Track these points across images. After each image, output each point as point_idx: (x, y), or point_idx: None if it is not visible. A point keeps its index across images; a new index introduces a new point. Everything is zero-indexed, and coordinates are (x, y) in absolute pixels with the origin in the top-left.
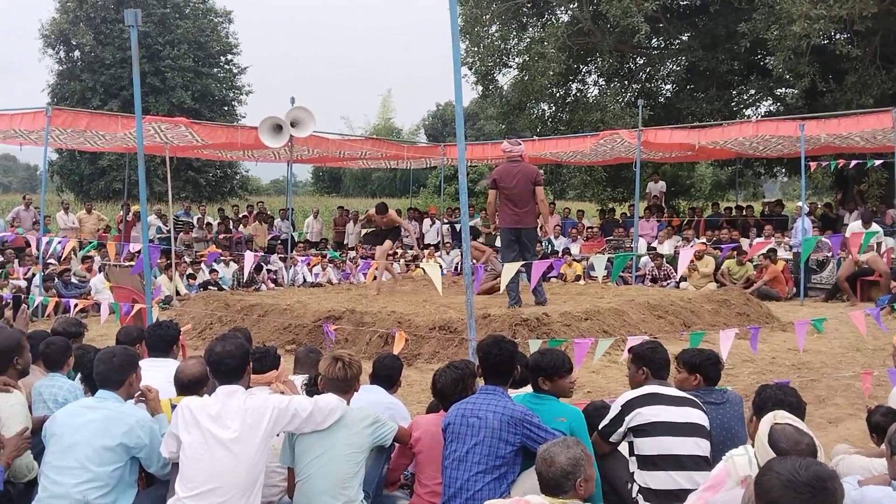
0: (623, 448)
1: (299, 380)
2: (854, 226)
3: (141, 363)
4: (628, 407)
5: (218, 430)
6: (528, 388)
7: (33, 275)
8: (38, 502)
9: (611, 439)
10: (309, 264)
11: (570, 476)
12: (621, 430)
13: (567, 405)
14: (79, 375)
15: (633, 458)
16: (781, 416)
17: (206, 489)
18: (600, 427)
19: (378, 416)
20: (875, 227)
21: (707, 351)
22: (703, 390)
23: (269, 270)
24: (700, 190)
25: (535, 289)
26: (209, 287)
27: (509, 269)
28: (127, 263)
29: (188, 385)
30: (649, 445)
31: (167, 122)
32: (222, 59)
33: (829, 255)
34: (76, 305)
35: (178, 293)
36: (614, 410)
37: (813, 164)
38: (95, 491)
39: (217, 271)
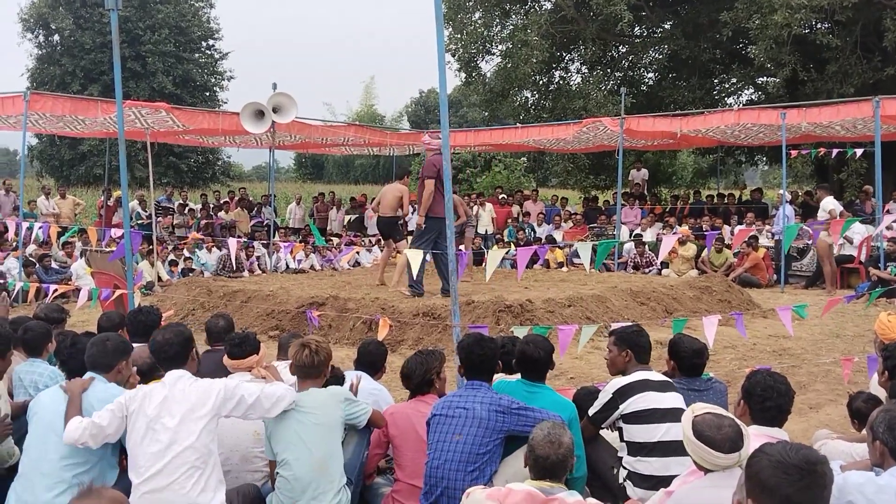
0: (607, 434)
1: (283, 365)
2: (827, 201)
3: None
4: (622, 394)
5: (162, 416)
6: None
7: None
8: (20, 478)
9: (602, 425)
10: (292, 252)
11: (570, 457)
12: (614, 416)
13: (560, 397)
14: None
15: (623, 445)
16: (699, 409)
17: (153, 472)
18: (591, 413)
19: (349, 394)
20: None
21: (690, 341)
22: (687, 379)
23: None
24: (682, 178)
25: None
26: (190, 273)
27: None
28: (108, 249)
29: (146, 372)
30: (641, 432)
31: (148, 108)
32: (203, 44)
33: (809, 242)
34: (55, 291)
35: (159, 279)
36: (605, 396)
37: (794, 153)
38: (75, 468)
39: (191, 259)
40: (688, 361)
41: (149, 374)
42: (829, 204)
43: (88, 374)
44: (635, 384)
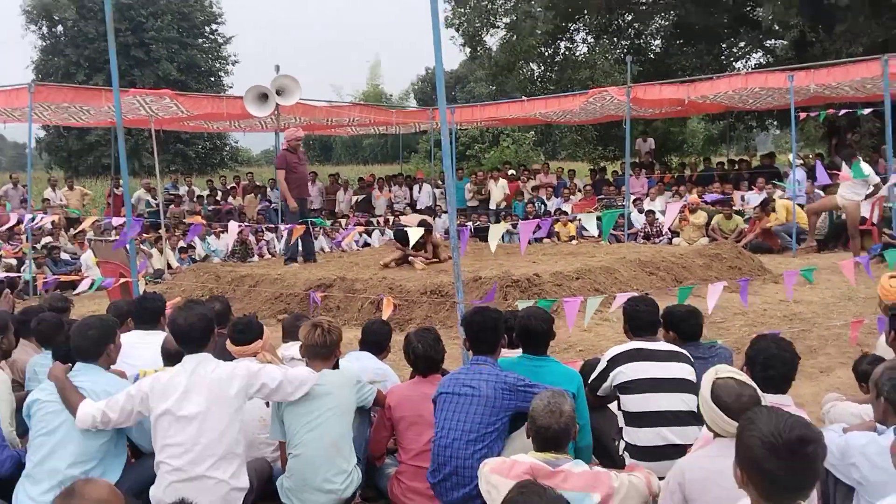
0: (613, 405)
1: (293, 348)
2: (864, 167)
3: (131, 336)
4: (613, 363)
5: (184, 405)
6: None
7: (24, 253)
8: (27, 477)
9: (598, 393)
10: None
11: (571, 426)
12: (606, 385)
13: (567, 367)
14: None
15: (621, 414)
16: (723, 371)
17: (186, 461)
18: (589, 381)
19: (360, 377)
20: (868, 169)
21: (680, 306)
22: (689, 345)
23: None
24: (692, 145)
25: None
26: (197, 260)
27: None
28: (112, 238)
29: (175, 355)
30: (634, 402)
31: (152, 95)
32: (207, 29)
33: None
34: (56, 279)
35: (169, 266)
36: (601, 365)
37: (803, 115)
38: (83, 465)
39: (194, 246)
40: (684, 326)
41: (178, 358)
42: (867, 169)
43: (79, 365)
44: (627, 353)
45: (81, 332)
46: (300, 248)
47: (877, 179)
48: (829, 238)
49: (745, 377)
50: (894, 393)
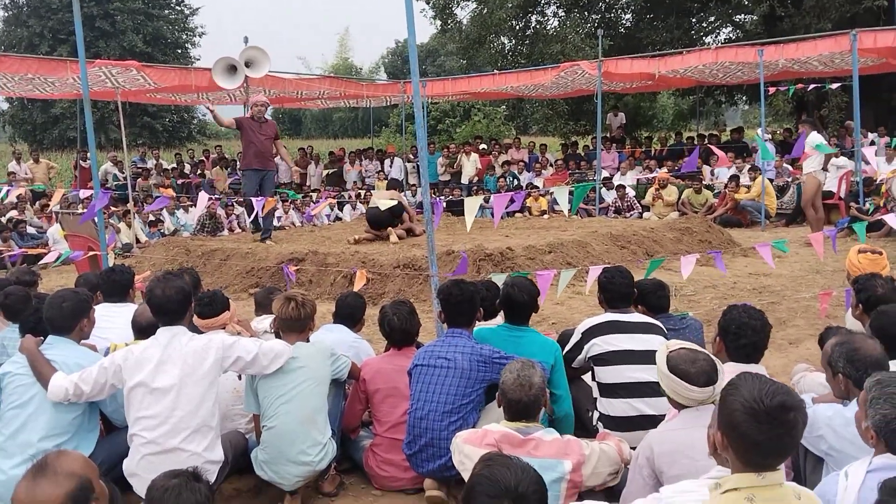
0: (587, 377)
1: (266, 321)
2: (814, 137)
3: (98, 308)
4: (587, 335)
5: (158, 377)
6: (499, 320)
7: None
8: None
9: (573, 365)
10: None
11: (541, 397)
12: (581, 357)
13: (546, 338)
14: None
15: (595, 385)
16: (673, 344)
17: (159, 434)
18: (563, 353)
19: (333, 349)
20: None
21: (647, 280)
22: (661, 317)
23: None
24: (662, 120)
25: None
26: (167, 234)
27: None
28: (80, 211)
29: (146, 328)
30: (608, 374)
31: (118, 66)
32: (173, 0)
33: (790, 180)
34: (23, 254)
35: (137, 241)
36: (575, 337)
37: (772, 90)
38: (55, 439)
39: (163, 220)
40: (651, 299)
41: (149, 331)
42: (816, 138)
43: (50, 338)
44: (600, 325)
45: (55, 305)
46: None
47: (828, 150)
48: (797, 212)
49: (694, 345)
50: (849, 367)
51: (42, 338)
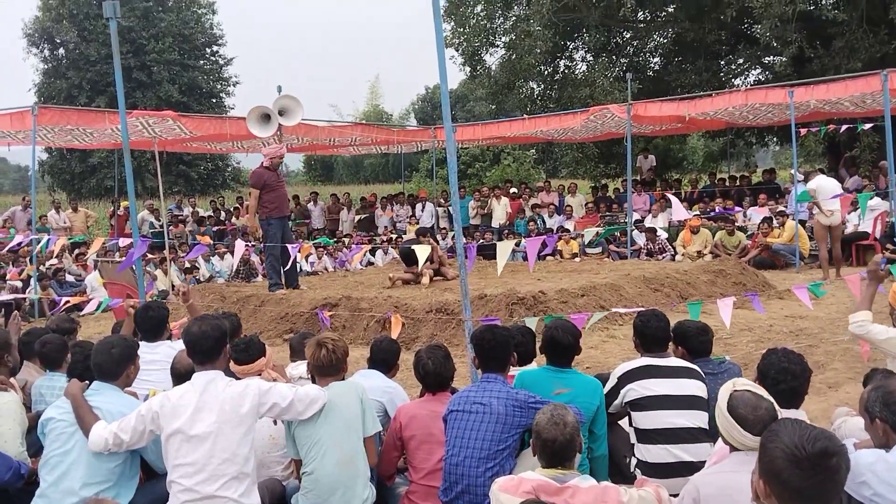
0: (624, 422)
1: (301, 367)
2: (812, 183)
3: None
4: (623, 380)
5: (195, 424)
6: (533, 365)
7: (28, 276)
8: (40, 497)
9: (609, 410)
10: (300, 251)
11: (576, 437)
12: (617, 402)
13: (589, 377)
14: None
15: (632, 431)
16: (741, 384)
17: (197, 481)
18: None
19: (363, 390)
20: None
21: (690, 322)
22: (699, 361)
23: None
24: (693, 162)
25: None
26: (202, 281)
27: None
28: (118, 259)
29: (185, 375)
30: (645, 420)
31: (154, 116)
32: (208, 50)
33: None
34: (66, 303)
35: (173, 287)
36: (611, 382)
37: (803, 131)
38: (97, 486)
39: (198, 267)
40: (694, 342)
41: (187, 378)
42: (813, 184)
43: (96, 384)
44: (637, 370)
45: (104, 351)
46: (282, 274)
47: (807, 199)
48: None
49: (762, 390)
50: (885, 410)
51: (87, 382)
